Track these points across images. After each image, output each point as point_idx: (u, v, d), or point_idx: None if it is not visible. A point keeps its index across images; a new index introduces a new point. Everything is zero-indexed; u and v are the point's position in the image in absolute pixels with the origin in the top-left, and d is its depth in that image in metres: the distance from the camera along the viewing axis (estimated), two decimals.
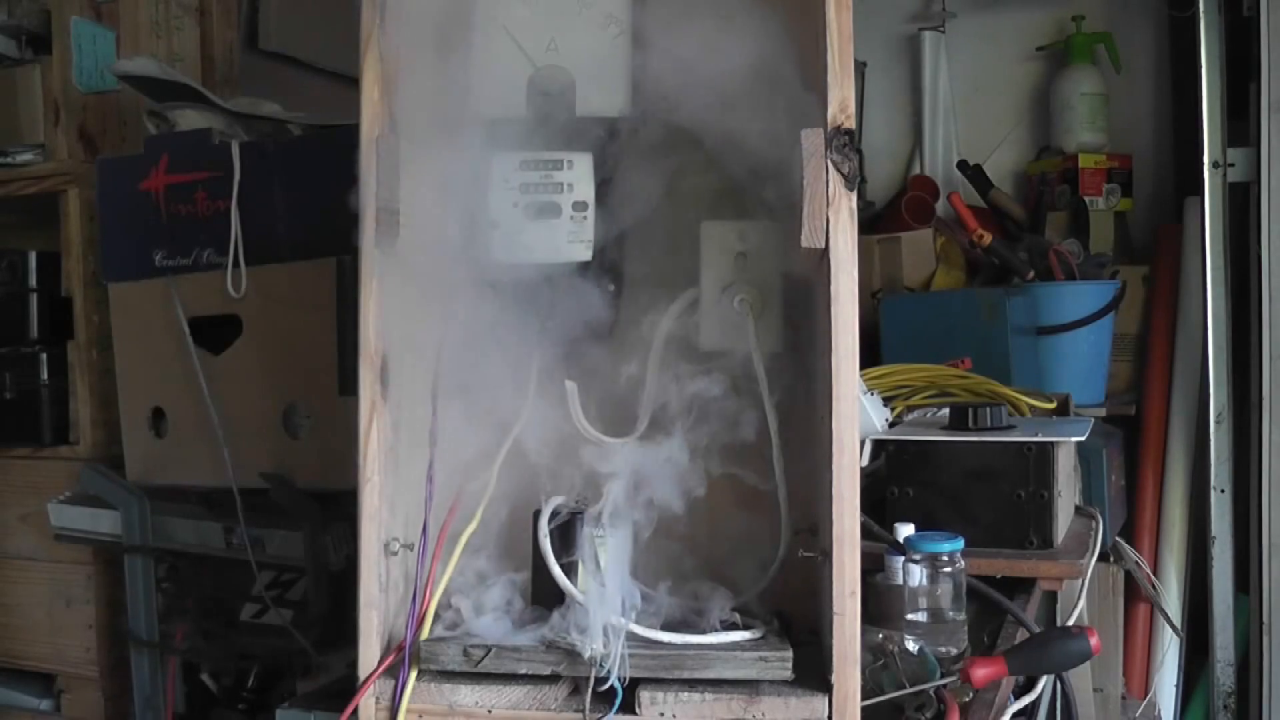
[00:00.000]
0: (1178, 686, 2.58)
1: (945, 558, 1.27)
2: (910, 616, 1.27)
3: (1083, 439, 1.63)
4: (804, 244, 1.04)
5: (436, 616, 1.12)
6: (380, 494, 1.12)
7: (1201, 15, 2.44)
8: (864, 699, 1.04)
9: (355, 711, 1.09)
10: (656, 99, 1.15)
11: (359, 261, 1.12)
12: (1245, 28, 2.40)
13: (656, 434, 1.18)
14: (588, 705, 1.04)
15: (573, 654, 1.05)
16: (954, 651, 1.25)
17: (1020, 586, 1.51)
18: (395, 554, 1.13)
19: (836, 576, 1.03)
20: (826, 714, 1.03)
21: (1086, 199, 2.78)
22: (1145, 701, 2.53)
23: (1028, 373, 2.35)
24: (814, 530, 1.12)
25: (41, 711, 2.26)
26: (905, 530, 1.41)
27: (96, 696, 2.18)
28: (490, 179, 1.16)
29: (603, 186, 1.18)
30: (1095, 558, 1.61)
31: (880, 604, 1.35)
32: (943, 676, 1.15)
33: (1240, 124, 2.47)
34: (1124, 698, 2.51)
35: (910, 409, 2.02)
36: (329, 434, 1.80)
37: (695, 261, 1.21)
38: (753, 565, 1.19)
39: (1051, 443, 1.52)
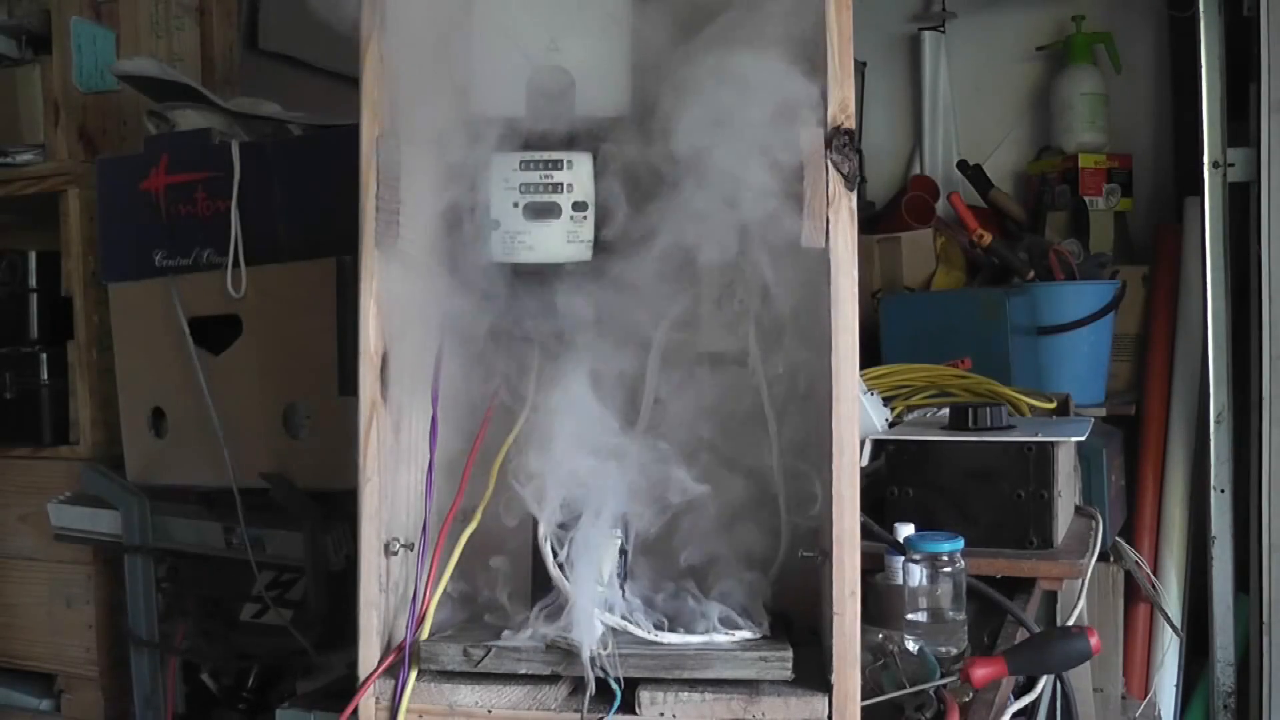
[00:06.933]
0: (1178, 686, 2.58)
1: (945, 558, 1.27)
2: (910, 616, 1.27)
3: (1083, 439, 1.63)
4: (804, 244, 1.04)
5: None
6: (380, 494, 1.12)
7: (1201, 15, 2.44)
8: (864, 699, 1.04)
9: (355, 711, 1.09)
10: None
11: (359, 261, 1.12)
12: (1245, 28, 2.40)
13: (656, 432, 1.18)
14: (586, 705, 1.04)
15: (572, 654, 1.05)
16: (954, 651, 1.25)
17: (1020, 586, 1.51)
18: (395, 554, 1.13)
19: (836, 576, 1.03)
20: (826, 714, 1.03)
21: (1086, 199, 2.78)
22: (1145, 701, 2.53)
23: (1028, 373, 2.35)
24: (814, 530, 1.12)
25: (41, 711, 2.26)
26: (905, 530, 1.41)
27: (96, 696, 2.18)
28: (490, 179, 1.16)
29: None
30: (1095, 558, 1.61)
31: (880, 604, 1.35)
32: (943, 676, 1.15)
33: (1240, 124, 2.47)
34: (1124, 698, 2.51)
35: (910, 409, 2.02)
36: (329, 434, 1.80)
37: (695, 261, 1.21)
38: (753, 565, 1.19)
39: (1051, 443, 1.52)
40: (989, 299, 2.46)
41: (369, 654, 1.10)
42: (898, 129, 3.17)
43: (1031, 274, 2.46)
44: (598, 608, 1.07)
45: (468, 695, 1.08)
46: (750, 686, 1.05)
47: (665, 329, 1.22)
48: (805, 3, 1.06)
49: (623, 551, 1.14)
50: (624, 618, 1.08)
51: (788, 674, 1.05)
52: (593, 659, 1.04)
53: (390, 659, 1.10)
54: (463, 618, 1.18)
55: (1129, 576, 2.48)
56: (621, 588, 1.12)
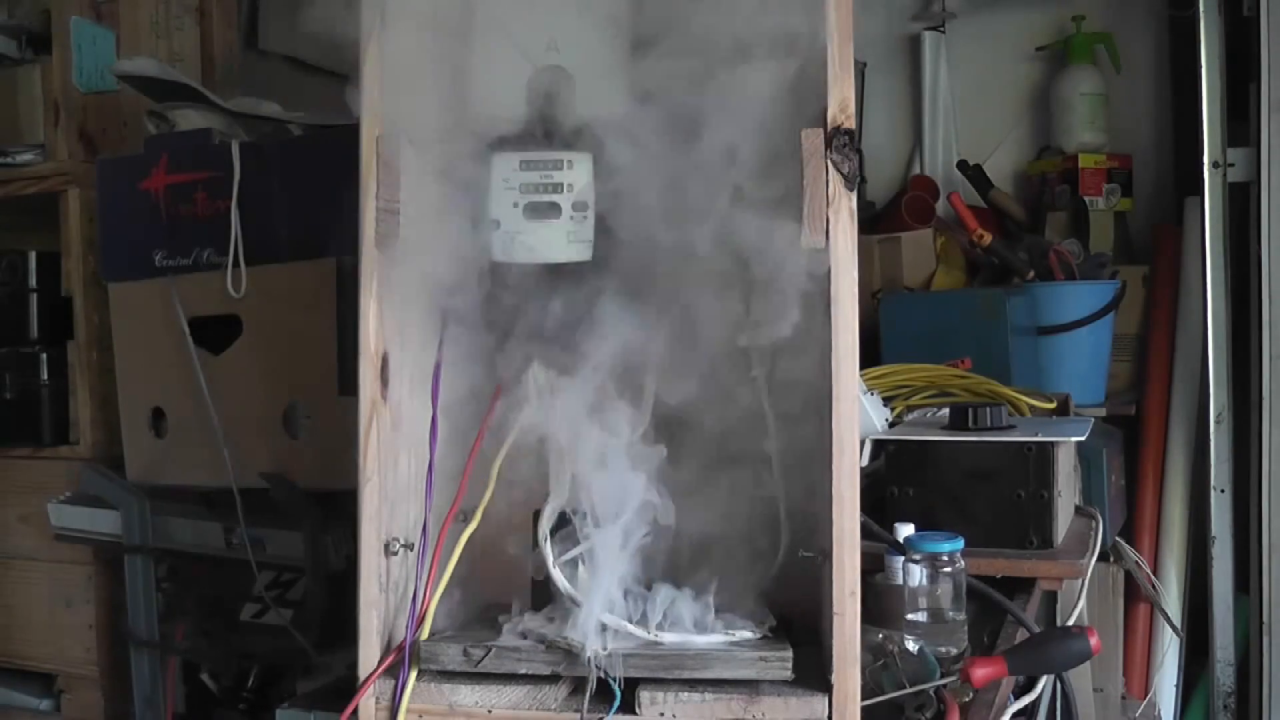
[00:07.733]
0: (1178, 686, 2.58)
1: (945, 558, 1.27)
2: (910, 616, 1.27)
3: (1083, 439, 1.63)
4: (804, 244, 1.04)
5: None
6: (380, 494, 1.12)
7: (1201, 15, 2.44)
8: (864, 699, 1.04)
9: (355, 711, 1.09)
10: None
11: (359, 261, 1.12)
12: (1245, 28, 2.40)
13: (656, 432, 1.18)
14: (585, 705, 1.04)
15: (572, 654, 1.05)
16: (954, 651, 1.25)
17: (1020, 586, 1.51)
18: (395, 554, 1.13)
19: (836, 576, 1.03)
20: (826, 714, 1.03)
21: (1086, 199, 2.78)
22: (1145, 701, 2.53)
23: (1028, 373, 2.35)
24: (814, 530, 1.12)
25: (41, 711, 2.26)
26: (905, 530, 1.41)
27: (96, 696, 2.19)
28: (490, 179, 1.16)
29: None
30: (1095, 558, 1.61)
31: (880, 604, 1.35)
32: (943, 676, 1.15)
33: (1240, 124, 2.46)
34: (1124, 698, 2.51)
35: (910, 409, 2.02)
36: (329, 434, 1.80)
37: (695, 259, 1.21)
38: (753, 565, 1.19)
39: (1051, 443, 1.52)
40: (989, 299, 2.46)
41: (369, 654, 1.11)
42: (898, 129, 3.17)
43: (1031, 274, 2.45)
44: (598, 608, 1.07)
45: (468, 695, 1.08)
46: (750, 686, 1.05)
47: (666, 324, 1.22)
48: None
49: (621, 551, 1.14)
50: (624, 618, 1.08)
51: (788, 674, 1.05)
52: (593, 659, 1.04)
53: (390, 659, 1.10)
54: (464, 617, 1.18)
55: (1129, 576, 2.48)
56: (622, 587, 1.12)
